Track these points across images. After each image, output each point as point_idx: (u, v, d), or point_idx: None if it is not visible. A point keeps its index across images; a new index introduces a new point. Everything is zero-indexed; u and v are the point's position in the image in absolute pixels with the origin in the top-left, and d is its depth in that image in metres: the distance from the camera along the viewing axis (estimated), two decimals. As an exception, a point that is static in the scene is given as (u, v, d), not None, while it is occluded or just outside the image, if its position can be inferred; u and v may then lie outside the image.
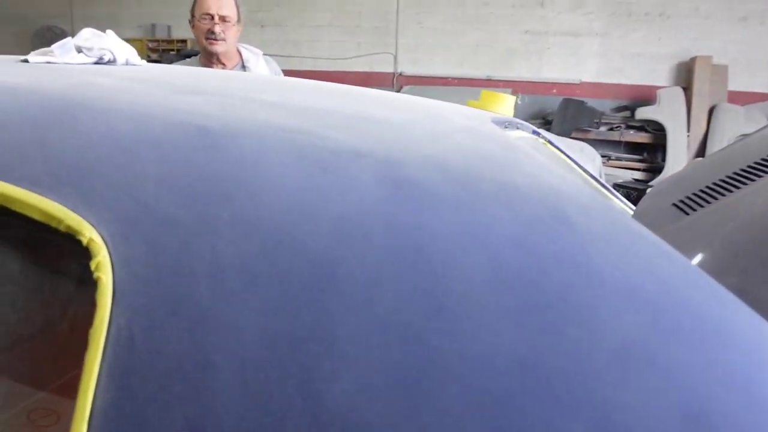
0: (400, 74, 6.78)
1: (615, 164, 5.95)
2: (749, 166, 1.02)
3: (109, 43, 1.13)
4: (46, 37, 6.88)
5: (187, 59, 2.77)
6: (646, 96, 6.00)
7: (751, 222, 0.89)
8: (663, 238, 0.64)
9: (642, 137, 5.96)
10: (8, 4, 7.63)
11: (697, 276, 0.60)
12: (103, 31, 1.15)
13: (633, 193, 4.86)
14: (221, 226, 0.53)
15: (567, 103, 6.09)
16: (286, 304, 0.48)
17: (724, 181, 1.03)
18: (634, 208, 1.31)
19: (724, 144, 4.92)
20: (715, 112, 5.68)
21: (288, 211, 0.55)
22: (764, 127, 1.32)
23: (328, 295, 0.49)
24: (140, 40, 7.06)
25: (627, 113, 6.10)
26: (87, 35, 1.12)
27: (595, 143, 5.48)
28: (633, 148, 6.03)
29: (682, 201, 1.06)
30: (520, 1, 6.32)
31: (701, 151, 5.60)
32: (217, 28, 2.33)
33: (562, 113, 6.03)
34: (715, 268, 0.79)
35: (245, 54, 2.48)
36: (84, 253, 0.51)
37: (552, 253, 0.55)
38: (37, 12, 7.55)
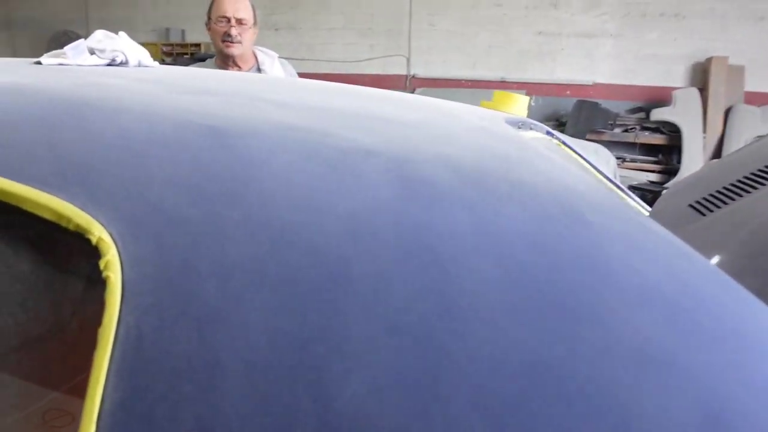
0: (413, 76, 6.76)
1: (630, 166, 5.90)
2: (766, 167, 1.01)
3: (122, 44, 1.13)
4: (62, 42, 6.88)
5: (201, 62, 2.78)
6: (661, 97, 5.94)
7: (769, 223, 0.88)
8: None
9: (657, 139, 5.91)
10: (25, 9, 7.72)
11: (716, 276, 0.59)
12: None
13: (648, 195, 4.80)
14: (231, 225, 0.52)
15: (581, 104, 6.05)
16: (296, 304, 0.48)
17: (740, 182, 1.02)
18: (649, 209, 1.30)
19: (741, 145, 4.86)
20: (731, 114, 5.61)
21: (298, 210, 0.54)
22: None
23: (338, 295, 0.48)
24: (155, 44, 7.10)
25: (642, 115, 6.05)
26: (99, 37, 1.13)
27: (609, 145, 5.44)
28: (648, 149, 5.98)
29: (698, 202, 1.05)
30: (533, 3, 6.28)
31: (717, 153, 5.53)
32: (234, 31, 2.34)
33: (576, 115, 5.99)
34: (732, 270, 0.78)
35: (261, 57, 2.49)
36: (93, 252, 0.51)
37: (567, 252, 0.55)
38: (53, 16, 7.62)
